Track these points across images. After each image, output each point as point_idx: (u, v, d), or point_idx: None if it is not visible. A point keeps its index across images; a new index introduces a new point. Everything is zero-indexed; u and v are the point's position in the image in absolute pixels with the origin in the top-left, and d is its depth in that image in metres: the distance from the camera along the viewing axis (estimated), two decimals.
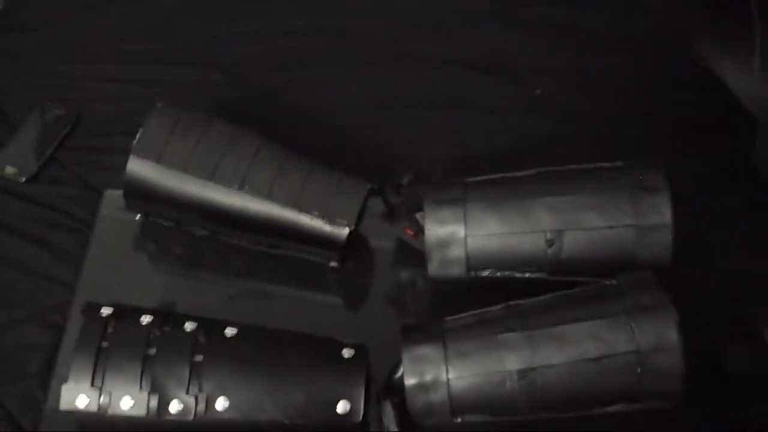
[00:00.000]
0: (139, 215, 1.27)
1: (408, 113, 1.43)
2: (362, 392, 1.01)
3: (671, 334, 1.00)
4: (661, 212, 1.10)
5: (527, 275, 1.13)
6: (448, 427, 1.04)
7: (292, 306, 1.22)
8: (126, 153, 1.20)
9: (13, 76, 1.48)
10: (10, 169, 1.34)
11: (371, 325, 1.19)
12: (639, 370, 1.00)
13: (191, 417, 0.99)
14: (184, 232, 1.26)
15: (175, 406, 0.99)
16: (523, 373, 1.01)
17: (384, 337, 1.10)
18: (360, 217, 1.19)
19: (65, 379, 1.00)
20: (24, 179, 1.33)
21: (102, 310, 1.04)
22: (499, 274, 1.13)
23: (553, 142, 1.38)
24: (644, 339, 1.00)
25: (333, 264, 1.23)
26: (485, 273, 1.13)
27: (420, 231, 1.17)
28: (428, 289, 1.21)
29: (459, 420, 1.03)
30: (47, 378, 1.14)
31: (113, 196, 1.29)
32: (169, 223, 1.26)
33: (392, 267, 1.25)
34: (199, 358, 1.00)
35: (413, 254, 1.21)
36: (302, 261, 1.23)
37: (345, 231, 1.17)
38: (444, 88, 1.46)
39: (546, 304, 1.06)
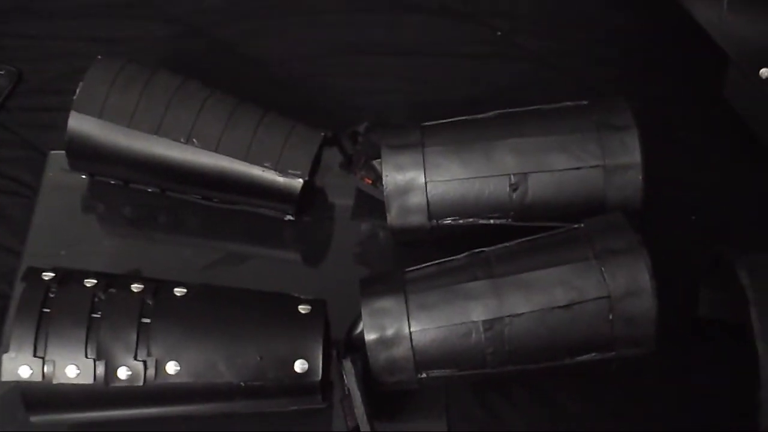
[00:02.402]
0: (85, 175, 1.21)
1: (365, 60, 1.38)
2: (320, 350, 0.95)
3: (644, 278, 0.96)
4: (629, 151, 1.06)
5: (491, 221, 1.08)
6: (413, 384, 0.99)
7: (248, 262, 1.17)
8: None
9: None
10: None
11: (330, 279, 1.15)
12: (611, 316, 0.96)
13: (141, 383, 0.94)
14: (133, 191, 1.20)
15: (123, 372, 0.93)
16: (489, 324, 0.96)
17: (344, 291, 1.05)
18: (314, 168, 1.14)
19: (6, 349, 0.94)
20: None
21: (43, 275, 0.98)
22: (462, 221, 1.08)
23: (517, 86, 1.34)
24: (616, 284, 0.96)
25: (289, 217, 1.18)
26: (447, 221, 1.08)
27: (378, 179, 1.12)
28: (389, 241, 1.16)
29: (423, 375, 0.98)
30: None
31: (58, 156, 1.24)
32: (117, 181, 1.20)
33: (351, 219, 1.20)
34: (147, 320, 0.95)
35: (372, 205, 1.16)
36: (257, 215, 1.18)
37: (299, 182, 1.12)
38: (402, 33, 1.41)
39: (512, 250, 1.01)
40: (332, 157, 1.19)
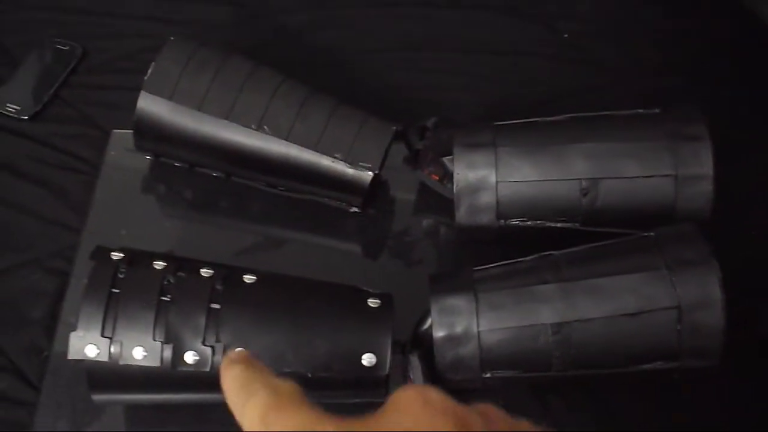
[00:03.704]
0: (148, 156, 1.21)
1: (432, 56, 1.37)
2: (389, 345, 0.95)
3: (714, 291, 0.95)
4: (702, 162, 1.05)
5: (559, 225, 1.08)
6: (476, 383, 0.99)
7: (310, 252, 1.16)
8: (135, 91, 1.13)
9: (15, 11, 1.41)
10: (11, 107, 1.28)
11: (392, 273, 1.14)
12: (679, 326, 0.95)
13: (208, 368, 0.93)
14: (196, 174, 1.20)
15: (190, 357, 0.93)
16: (557, 327, 0.96)
17: (405, 285, 1.05)
18: (383, 161, 1.13)
19: (73, 327, 0.93)
20: (27, 117, 1.27)
21: (112, 255, 0.97)
22: (530, 223, 1.08)
23: (581, 89, 1.32)
24: (686, 294, 0.95)
25: (354, 209, 1.17)
26: (515, 222, 1.08)
27: (446, 176, 1.11)
28: (451, 237, 1.16)
29: (488, 375, 0.98)
30: (52, 325, 1.09)
31: (121, 135, 1.24)
32: (182, 164, 1.20)
33: (414, 213, 1.20)
34: (216, 306, 0.94)
35: (435, 200, 1.16)
36: (321, 206, 1.18)
37: (368, 175, 1.11)
38: (470, 31, 1.40)
39: (582, 255, 1.01)
40: (395, 150, 1.18)
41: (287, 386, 0.56)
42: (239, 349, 0.56)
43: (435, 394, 0.54)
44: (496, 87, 1.33)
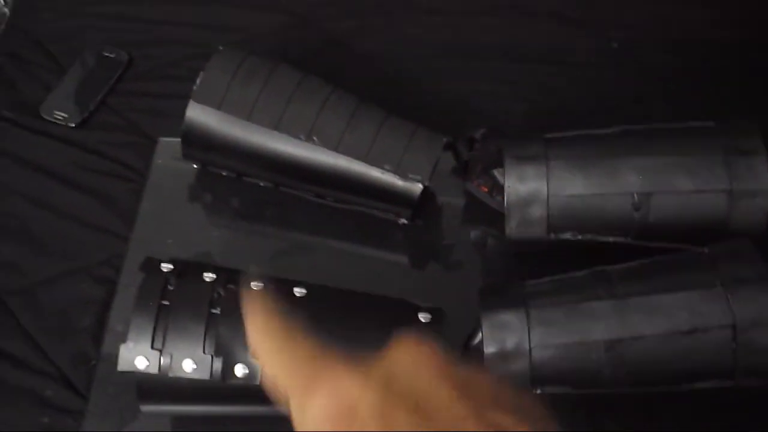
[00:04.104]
0: (196, 165, 1.20)
1: (478, 64, 1.35)
2: None
3: None
4: (758, 177, 1.03)
5: (611, 239, 1.06)
6: None
7: (358, 264, 1.15)
8: (182, 99, 1.13)
9: (62, 18, 1.42)
10: (59, 114, 1.28)
11: (439, 284, 1.13)
12: (734, 345, 0.94)
13: (258, 381, 0.92)
14: (243, 184, 1.20)
15: (240, 370, 0.92)
16: (610, 344, 0.94)
17: (453, 297, 1.05)
18: (432, 172, 1.12)
19: (120, 335, 0.93)
20: (74, 125, 1.27)
21: (162, 266, 0.97)
22: (581, 236, 1.06)
23: (630, 100, 1.30)
24: (741, 313, 0.93)
25: (402, 221, 1.16)
26: (566, 235, 1.07)
27: (496, 188, 1.10)
28: (499, 249, 1.15)
29: (538, 391, 0.97)
30: (99, 334, 1.09)
31: (168, 144, 1.23)
32: (229, 173, 1.19)
33: (461, 225, 1.19)
34: None
35: (483, 211, 1.15)
36: (369, 217, 1.17)
37: (418, 187, 1.10)
38: (516, 39, 1.38)
39: (634, 271, 0.99)
40: (442, 160, 1.16)
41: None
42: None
43: (436, 360, 0.56)
44: (545, 96, 1.31)
